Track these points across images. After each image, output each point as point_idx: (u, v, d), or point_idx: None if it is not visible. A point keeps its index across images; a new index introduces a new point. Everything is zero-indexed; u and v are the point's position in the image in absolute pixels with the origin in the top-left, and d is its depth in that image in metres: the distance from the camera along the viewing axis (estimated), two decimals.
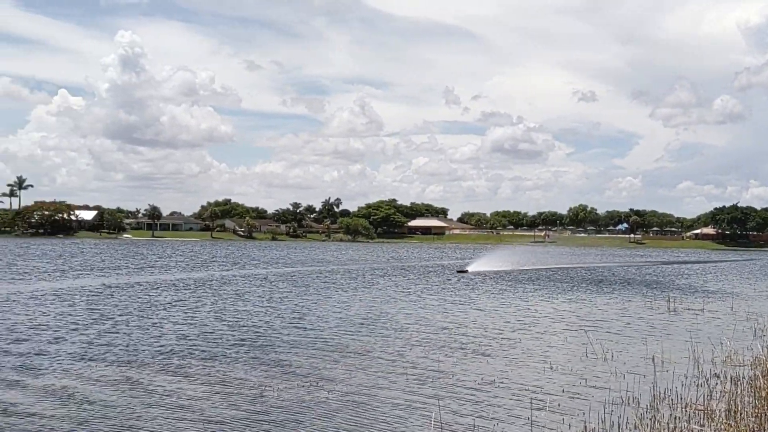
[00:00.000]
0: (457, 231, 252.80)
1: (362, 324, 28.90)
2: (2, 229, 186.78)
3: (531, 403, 15.80)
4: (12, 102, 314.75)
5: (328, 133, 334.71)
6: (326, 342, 24.22)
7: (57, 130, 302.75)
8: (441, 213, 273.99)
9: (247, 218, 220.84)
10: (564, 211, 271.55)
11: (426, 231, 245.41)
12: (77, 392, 16.56)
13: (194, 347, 22.77)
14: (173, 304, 35.46)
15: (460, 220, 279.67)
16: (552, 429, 14.13)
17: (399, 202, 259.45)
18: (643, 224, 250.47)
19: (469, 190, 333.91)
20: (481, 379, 18.60)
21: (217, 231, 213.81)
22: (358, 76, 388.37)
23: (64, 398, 15.99)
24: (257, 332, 26.13)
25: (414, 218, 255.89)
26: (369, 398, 16.37)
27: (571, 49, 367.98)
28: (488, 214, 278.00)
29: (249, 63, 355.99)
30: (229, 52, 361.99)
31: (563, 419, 14.69)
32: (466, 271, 68.06)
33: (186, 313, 31.77)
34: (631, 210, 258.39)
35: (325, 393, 16.76)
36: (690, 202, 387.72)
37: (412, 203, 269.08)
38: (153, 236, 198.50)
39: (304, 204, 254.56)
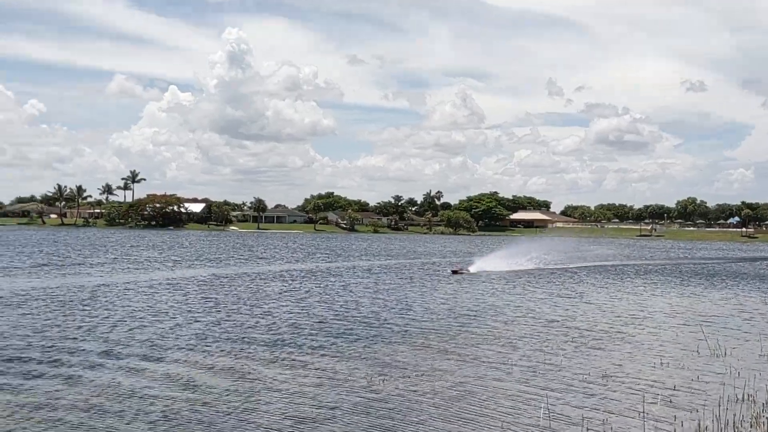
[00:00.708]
0: (560, 224, 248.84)
1: (469, 315, 29.03)
2: (117, 220, 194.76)
3: (644, 397, 15.65)
4: (127, 99, 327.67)
5: (429, 126, 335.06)
6: (435, 332, 24.48)
7: (167, 126, 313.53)
8: (543, 206, 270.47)
9: (350, 211, 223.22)
10: (672, 204, 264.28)
11: (528, 224, 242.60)
12: (195, 377, 17.31)
13: (305, 336, 23.38)
14: (282, 294, 36.40)
15: (563, 213, 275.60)
16: (665, 424, 13.97)
17: (500, 195, 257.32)
18: (756, 217, 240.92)
19: (572, 183, 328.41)
20: (592, 372, 18.49)
21: (320, 223, 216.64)
22: (460, 68, 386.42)
23: (183, 382, 16.75)
24: (365, 322, 26.60)
25: (516, 211, 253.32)
26: (480, 389, 16.52)
27: (679, 37, 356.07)
28: (592, 207, 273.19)
29: (351, 57, 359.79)
30: (331, 47, 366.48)
31: (676, 415, 14.49)
32: (462, 272, 53.90)
33: (295, 302, 32.58)
34: (743, 203, 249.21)
35: (436, 383, 17.01)
36: None
37: (513, 196, 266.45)
38: (258, 228, 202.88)
39: (406, 197, 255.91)
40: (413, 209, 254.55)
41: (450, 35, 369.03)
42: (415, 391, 16.22)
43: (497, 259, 62.69)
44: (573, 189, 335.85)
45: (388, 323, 26.46)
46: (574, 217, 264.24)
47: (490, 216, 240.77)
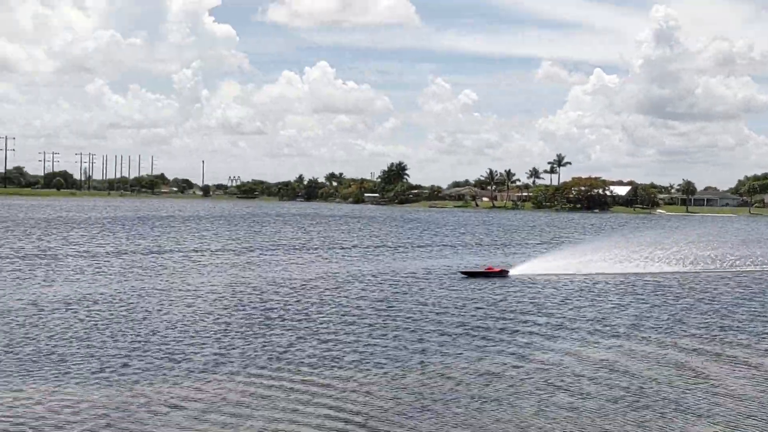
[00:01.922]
0: None
1: None
2: (543, 203, 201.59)
3: None
4: (552, 84, 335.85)
5: None
6: None
7: (591, 109, 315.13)
8: None
9: None
10: None
11: None
12: (633, 361, 18.68)
13: (741, 327, 23.39)
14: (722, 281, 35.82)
15: None
16: None
17: None
18: None
19: None
20: None
21: (756, 206, 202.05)
22: None
23: (621, 366, 18.28)
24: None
25: None
26: None
27: None
28: None
29: None
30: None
31: None
32: (495, 274, 36.18)
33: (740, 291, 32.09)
34: None
35: None
36: None
37: None
38: (687, 212, 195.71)
39: None
40: None
41: None
42: None
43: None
44: None
45: None
46: None
47: None
